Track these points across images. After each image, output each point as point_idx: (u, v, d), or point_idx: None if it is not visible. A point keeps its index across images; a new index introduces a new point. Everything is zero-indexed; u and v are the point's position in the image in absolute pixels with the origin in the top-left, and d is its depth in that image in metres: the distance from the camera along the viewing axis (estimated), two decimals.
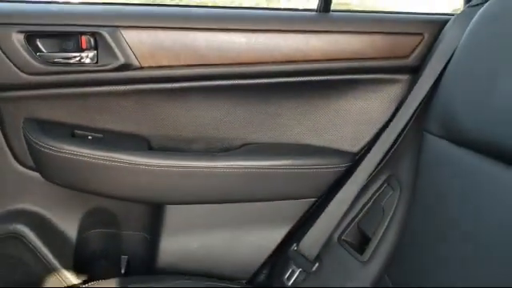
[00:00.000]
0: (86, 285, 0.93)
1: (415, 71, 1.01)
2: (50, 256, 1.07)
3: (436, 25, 1.02)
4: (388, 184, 0.96)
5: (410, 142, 0.95)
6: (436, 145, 0.84)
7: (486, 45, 0.79)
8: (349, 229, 0.98)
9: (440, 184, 0.80)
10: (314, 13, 1.05)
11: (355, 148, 1.08)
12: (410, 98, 0.97)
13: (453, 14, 1.01)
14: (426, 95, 0.93)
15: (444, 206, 0.78)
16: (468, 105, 0.77)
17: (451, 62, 0.88)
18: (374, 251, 0.91)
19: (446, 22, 1.00)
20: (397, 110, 1.01)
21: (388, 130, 0.98)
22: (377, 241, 0.92)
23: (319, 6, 1.05)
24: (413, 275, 0.80)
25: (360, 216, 0.98)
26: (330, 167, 1.05)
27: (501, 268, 0.63)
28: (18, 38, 0.96)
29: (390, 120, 1.00)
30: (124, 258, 1.14)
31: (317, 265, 0.97)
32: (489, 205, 0.67)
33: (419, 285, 0.76)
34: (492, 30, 0.80)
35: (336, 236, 0.99)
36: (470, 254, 0.68)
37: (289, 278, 0.99)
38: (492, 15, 0.81)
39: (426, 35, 1.03)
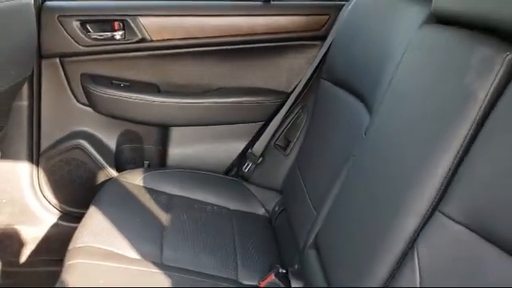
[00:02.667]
0: (123, 172, 1.58)
1: (324, 39, 1.60)
2: (100, 159, 1.71)
3: (337, 8, 1.59)
4: (302, 110, 1.59)
5: (314, 84, 1.56)
6: (325, 86, 1.44)
7: (353, 20, 1.37)
8: (280, 137, 1.63)
9: (321, 110, 1.42)
10: (260, 3, 1.64)
11: (288, 89, 1.68)
12: (317, 56, 1.57)
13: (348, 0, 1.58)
14: (324, 54, 1.53)
15: (320, 123, 1.39)
16: (341, 57, 1.37)
17: (338, 31, 1.47)
18: (292, 149, 1.56)
19: (343, 6, 1.58)
20: (312, 65, 1.61)
21: (304, 77, 1.59)
22: (293, 143, 1.56)
23: None
24: (305, 163, 1.42)
25: (286, 130, 1.62)
26: (273, 101, 1.68)
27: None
28: (76, 24, 1.56)
29: (310, 71, 1.61)
30: (146, 162, 1.78)
31: (260, 159, 1.63)
32: (347, 130, 1.22)
33: (306, 165, 1.39)
34: (355, 10, 1.38)
35: (272, 142, 1.63)
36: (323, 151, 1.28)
37: (245, 168, 1.65)
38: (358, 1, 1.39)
39: (332, 15, 1.61)
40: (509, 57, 0.63)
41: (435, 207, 0.68)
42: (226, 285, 1.10)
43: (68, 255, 1.09)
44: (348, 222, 0.91)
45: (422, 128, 0.76)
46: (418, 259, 0.68)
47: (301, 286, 1.12)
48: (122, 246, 1.13)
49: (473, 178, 0.64)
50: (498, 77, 0.63)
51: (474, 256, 0.60)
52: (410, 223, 0.71)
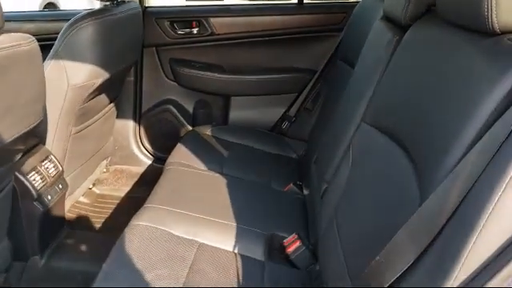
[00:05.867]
0: (197, 127, 2.26)
1: (342, 30, 2.18)
2: (182, 119, 2.42)
3: (352, 7, 2.16)
4: (324, 83, 2.20)
5: (333, 64, 2.15)
6: (339, 64, 2.03)
7: (357, 15, 1.95)
8: (308, 103, 2.24)
9: (335, 82, 2.01)
10: (295, 4, 2.26)
11: (315, 68, 2.29)
12: (336, 43, 2.16)
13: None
14: (340, 40, 2.12)
15: (335, 91, 1.98)
16: (348, 43, 1.95)
17: (349, 24, 2.05)
18: (315, 111, 2.17)
19: (355, 5, 2.15)
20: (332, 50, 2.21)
21: (326, 59, 2.20)
22: (317, 106, 2.17)
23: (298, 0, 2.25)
24: (322, 119, 2.02)
25: (312, 97, 2.23)
26: (304, 77, 2.29)
27: None
28: (167, 23, 2.27)
29: (330, 54, 2.21)
30: (214, 123, 2.46)
31: (294, 119, 2.25)
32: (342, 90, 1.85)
33: (322, 119, 1.99)
34: (359, 9, 1.96)
35: (303, 107, 2.26)
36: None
37: (283, 126, 2.28)
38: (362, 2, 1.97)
39: (348, 12, 2.19)
40: (395, 38, 1.22)
41: (362, 119, 1.28)
42: (261, 186, 1.74)
43: (165, 167, 1.79)
44: (327, 136, 1.53)
45: (363, 77, 1.36)
46: (352, 149, 1.29)
47: (307, 192, 1.73)
48: (198, 163, 1.81)
49: (379, 97, 1.23)
50: (391, 49, 1.22)
51: (375, 142, 1.19)
52: (351, 130, 1.31)
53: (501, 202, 0.60)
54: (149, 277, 1.17)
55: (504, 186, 0.60)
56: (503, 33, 0.80)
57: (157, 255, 1.24)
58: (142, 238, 1.30)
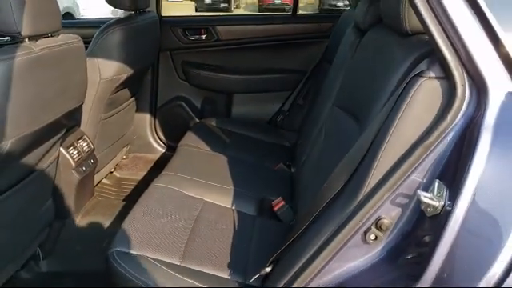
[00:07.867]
0: (203, 119, 2.63)
1: (328, 37, 2.56)
2: (191, 113, 2.79)
3: (337, 17, 2.54)
4: (313, 82, 2.56)
5: (320, 66, 2.52)
6: (325, 65, 2.40)
7: (340, 24, 2.32)
8: (300, 99, 2.61)
9: (321, 80, 2.38)
10: (289, 15, 2.64)
11: (306, 69, 2.66)
12: (323, 48, 2.54)
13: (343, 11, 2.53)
14: (327, 45, 2.49)
15: (320, 88, 2.36)
16: (332, 47, 2.32)
17: (333, 31, 2.42)
18: (305, 105, 2.53)
19: (340, 15, 2.53)
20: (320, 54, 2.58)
21: (315, 61, 2.57)
22: (307, 101, 2.53)
23: (292, 11, 2.63)
24: (310, 111, 2.39)
25: (303, 94, 2.60)
26: (297, 77, 2.66)
27: None
28: (180, 31, 2.66)
29: (318, 57, 2.58)
30: (218, 116, 2.83)
31: (287, 113, 2.62)
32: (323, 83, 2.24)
33: (310, 111, 2.36)
34: (342, 18, 2.34)
35: (296, 101, 2.62)
36: None
37: (278, 119, 2.65)
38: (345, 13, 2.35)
39: (334, 22, 2.57)
40: (357, 41, 1.59)
41: (333, 104, 1.65)
42: (256, 164, 2.10)
43: (178, 148, 2.16)
44: (310, 121, 1.89)
45: (335, 72, 1.73)
46: (325, 127, 1.65)
47: (294, 170, 2.09)
48: (204, 146, 2.18)
49: (343, 86, 1.59)
50: (354, 49, 1.59)
51: (339, 119, 1.55)
52: (325, 113, 1.68)
53: (393, 136, 0.96)
54: (165, 220, 1.53)
55: (395, 124, 0.96)
56: (414, 33, 1.16)
57: (171, 206, 1.60)
58: (160, 194, 1.67)
